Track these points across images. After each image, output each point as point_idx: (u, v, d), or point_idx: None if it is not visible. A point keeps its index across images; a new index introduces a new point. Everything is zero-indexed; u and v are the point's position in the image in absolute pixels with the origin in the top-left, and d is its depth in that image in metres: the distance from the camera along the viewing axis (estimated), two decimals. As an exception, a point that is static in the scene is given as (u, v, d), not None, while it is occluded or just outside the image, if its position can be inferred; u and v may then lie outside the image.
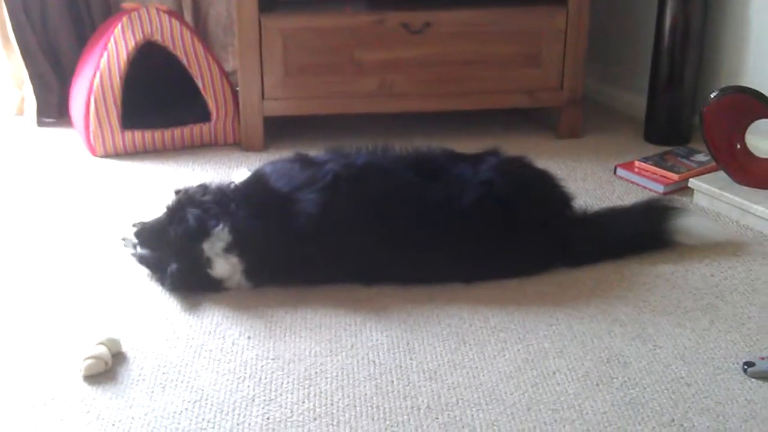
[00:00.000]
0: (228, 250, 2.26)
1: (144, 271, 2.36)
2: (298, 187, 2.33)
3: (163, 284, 2.30)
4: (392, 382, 1.92)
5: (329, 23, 3.18)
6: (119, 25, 3.15)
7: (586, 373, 1.94)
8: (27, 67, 3.47)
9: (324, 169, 2.35)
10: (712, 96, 2.70)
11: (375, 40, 3.19)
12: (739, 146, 2.71)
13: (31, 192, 2.92)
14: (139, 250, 2.34)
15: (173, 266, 2.26)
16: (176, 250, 2.27)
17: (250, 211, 2.30)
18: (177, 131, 3.24)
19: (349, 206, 2.28)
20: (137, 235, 2.36)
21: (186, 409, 1.84)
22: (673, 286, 2.30)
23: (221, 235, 2.27)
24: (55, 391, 1.89)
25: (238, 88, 3.27)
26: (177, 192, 2.41)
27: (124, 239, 2.42)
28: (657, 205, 2.58)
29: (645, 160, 2.99)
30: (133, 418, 1.81)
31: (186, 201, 2.35)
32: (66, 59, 3.54)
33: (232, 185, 2.40)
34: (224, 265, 2.26)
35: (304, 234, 2.25)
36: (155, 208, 2.41)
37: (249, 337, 2.09)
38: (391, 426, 1.78)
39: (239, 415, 1.82)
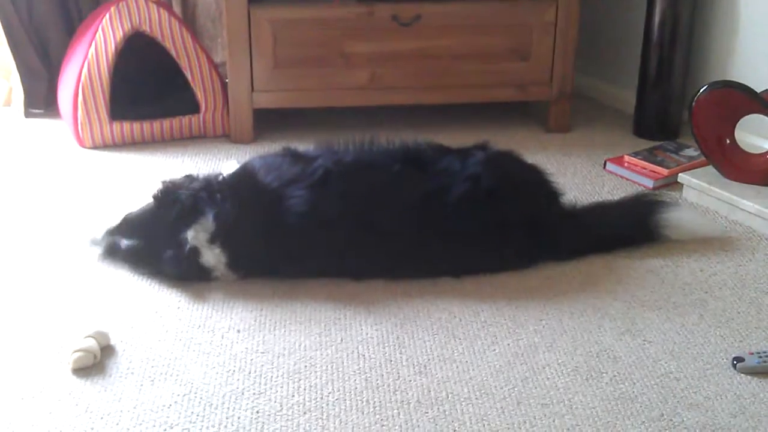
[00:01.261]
0: (212, 240, 2.25)
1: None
2: (287, 182, 2.32)
3: (157, 273, 2.28)
4: (382, 376, 1.92)
5: (319, 15, 3.16)
6: (107, 15, 3.13)
7: (575, 368, 1.95)
8: (15, 57, 3.44)
9: (314, 165, 2.35)
10: (701, 91, 2.70)
11: (365, 33, 3.18)
12: (728, 141, 2.71)
13: (19, 183, 2.90)
14: (124, 242, 2.32)
15: (169, 252, 2.25)
16: (169, 234, 2.26)
17: (236, 204, 2.29)
18: (166, 123, 3.22)
19: (338, 203, 2.28)
20: (119, 227, 2.34)
21: (175, 402, 1.83)
22: (662, 281, 2.31)
23: (206, 224, 2.26)
24: (44, 384, 1.88)
25: (227, 80, 3.25)
26: (163, 182, 2.39)
27: (92, 240, 2.38)
28: (646, 199, 2.58)
29: (634, 154, 3.00)
30: (122, 411, 1.80)
31: (173, 189, 2.34)
32: (54, 50, 3.52)
33: (220, 177, 2.39)
34: (210, 255, 2.26)
35: (294, 230, 2.25)
36: (139, 201, 2.39)
37: (238, 331, 2.09)
38: (381, 420, 1.78)
39: (228, 408, 1.82)
